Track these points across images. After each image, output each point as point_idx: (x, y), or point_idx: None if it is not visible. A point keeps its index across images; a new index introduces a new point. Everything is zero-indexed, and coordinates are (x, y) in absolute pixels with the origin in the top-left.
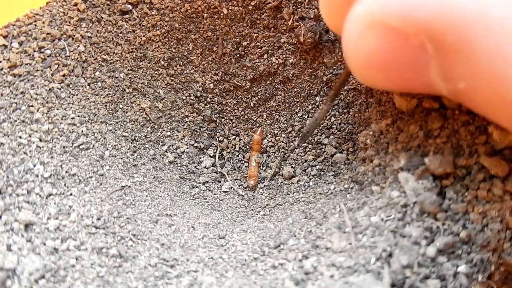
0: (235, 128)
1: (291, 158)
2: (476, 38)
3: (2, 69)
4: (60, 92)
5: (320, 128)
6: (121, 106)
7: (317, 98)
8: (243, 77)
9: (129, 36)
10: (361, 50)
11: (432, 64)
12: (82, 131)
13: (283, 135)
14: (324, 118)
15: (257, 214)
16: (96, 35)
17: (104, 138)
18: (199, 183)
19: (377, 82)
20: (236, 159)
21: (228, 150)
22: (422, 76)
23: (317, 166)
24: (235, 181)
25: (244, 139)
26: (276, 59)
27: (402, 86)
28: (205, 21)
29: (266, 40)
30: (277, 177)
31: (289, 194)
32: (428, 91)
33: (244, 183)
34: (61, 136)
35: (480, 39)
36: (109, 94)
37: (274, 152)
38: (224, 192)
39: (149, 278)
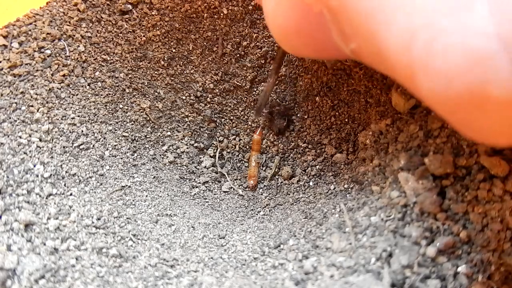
0: (235, 128)
1: (291, 158)
2: (350, 0)
3: (2, 69)
4: (60, 92)
5: (320, 128)
6: (121, 106)
7: (317, 99)
8: (243, 77)
9: (129, 36)
10: (277, 21)
11: (332, 28)
12: (82, 131)
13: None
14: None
15: (257, 214)
16: (96, 35)
17: (104, 138)
18: (199, 183)
19: (298, 50)
20: (236, 159)
21: (228, 150)
22: (329, 41)
23: (317, 166)
24: (235, 181)
25: (244, 139)
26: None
27: (317, 52)
28: (205, 21)
29: (266, 40)
30: (277, 177)
31: (289, 194)
32: (342, 56)
33: (244, 183)
34: (61, 136)
35: (352, 1)
36: (109, 94)
37: (275, 152)
38: (224, 192)
39: (149, 278)
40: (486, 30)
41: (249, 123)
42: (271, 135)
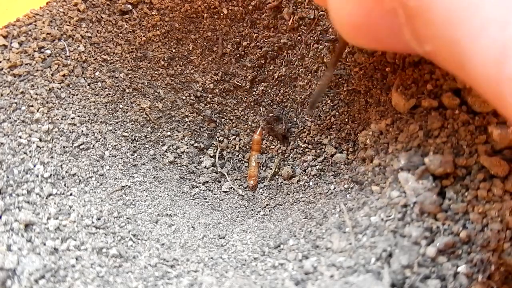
0: (235, 128)
1: (291, 158)
2: (436, 4)
3: (2, 69)
4: (60, 92)
5: (320, 128)
6: (121, 106)
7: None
8: (243, 77)
9: (129, 36)
10: (343, 14)
11: (404, 27)
12: (82, 131)
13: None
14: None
15: (257, 214)
16: (96, 35)
17: (104, 138)
18: (199, 183)
19: (363, 43)
20: (236, 159)
21: (228, 150)
22: (399, 38)
23: (317, 166)
24: (235, 181)
25: (244, 139)
26: (277, 59)
27: (387, 47)
28: (205, 21)
29: (266, 40)
30: (277, 177)
31: (289, 194)
32: (409, 51)
33: (244, 183)
34: (61, 136)
35: (435, 2)
36: (109, 94)
37: (275, 152)
38: (224, 192)
39: (149, 278)
40: None
41: (249, 123)
42: (271, 136)
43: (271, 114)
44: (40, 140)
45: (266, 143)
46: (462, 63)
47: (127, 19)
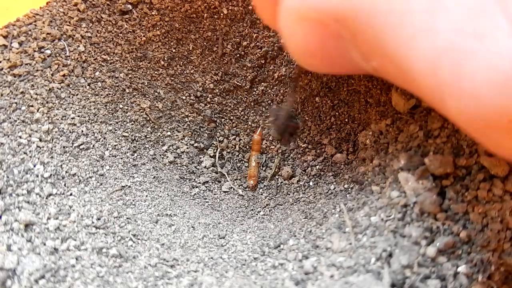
0: (235, 128)
1: (291, 158)
2: (370, 20)
3: (2, 69)
4: (60, 92)
5: (320, 128)
6: (121, 106)
7: (317, 99)
8: (243, 77)
9: (129, 36)
10: (294, 41)
11: (350, 47)
12: (82, 131)
13: None
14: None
15: (257, 214)
16: (96, 35)
17: (104, 138)
18: (199, 183)
19: (317, 68)
20: (236, 159)
21: (228, 150)
22: (348, 58)
23: (317, 166)
24: (235, 181)
25: (244, 139)
26: (277, 59)
27: (338, 69)
28: (205, 21)
29: (266, 40)
30: (277, 177)
31: (289, 194)
32: (360, 71)
33: (244, 183)
34: (61, 136)
35: (373, 20)
36: (109, 94)
37: (275, 152)
38: (224, 192)
39: (149, 278)
40: (511, 51)
41: (249, 123)
42: (271, 136)
43: (279, 114)
44: (40, 140)
45: (266, 143)
46: (405, 75)
47: (127, 19)
